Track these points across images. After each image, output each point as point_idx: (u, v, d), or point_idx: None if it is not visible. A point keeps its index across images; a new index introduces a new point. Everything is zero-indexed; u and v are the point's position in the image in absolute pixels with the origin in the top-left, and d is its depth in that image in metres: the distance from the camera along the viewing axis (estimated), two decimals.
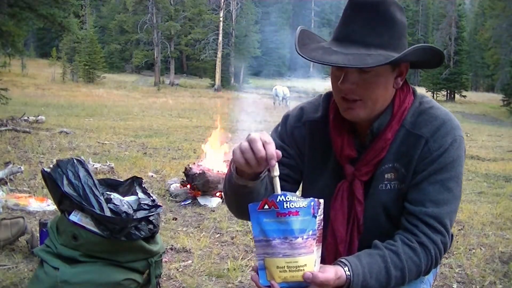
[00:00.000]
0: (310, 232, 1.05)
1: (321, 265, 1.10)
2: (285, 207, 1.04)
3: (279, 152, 1.08)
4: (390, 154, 1.27)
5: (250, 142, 1.08)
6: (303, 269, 1.05)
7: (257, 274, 1.09)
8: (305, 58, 1.18)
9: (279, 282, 1.06)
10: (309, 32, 1.29)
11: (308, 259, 1.05)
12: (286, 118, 1.43)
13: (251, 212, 1.08)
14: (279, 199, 1.05)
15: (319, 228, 1.08)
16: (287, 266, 1.05)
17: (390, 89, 1.24)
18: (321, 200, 1.09)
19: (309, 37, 1.27)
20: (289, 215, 1.04)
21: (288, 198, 1.05)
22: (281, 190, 1.08)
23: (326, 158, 1.35)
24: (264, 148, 1.07)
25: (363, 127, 1.29)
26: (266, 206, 1.06)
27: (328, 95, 1.39)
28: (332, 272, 1.08)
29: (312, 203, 1.06)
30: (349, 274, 1.11)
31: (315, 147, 1.37)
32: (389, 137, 1.26)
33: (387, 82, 1.22)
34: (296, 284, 1.06)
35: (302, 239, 1.04)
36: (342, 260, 1.14)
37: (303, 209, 1.05)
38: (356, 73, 1.18)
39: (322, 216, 1.09)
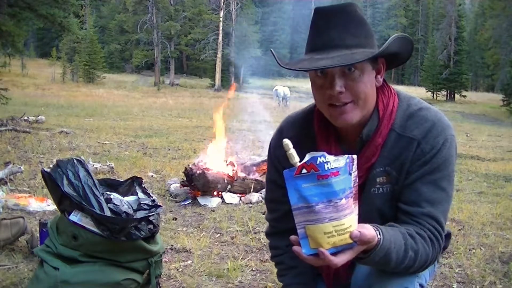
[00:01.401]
0: (349, 191, 1.03)
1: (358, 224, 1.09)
2: (326, 168, 0.99)
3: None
4: (382, 158, 1.28)
5: None
6: (349, 230, 1.02)
7: (299, 244, 1.05)
8: (292, 69, 1.21)
9: (328, 248, 1.02)
10: (279, 56, 1.31)
11: (352, 219, 1.03)
12: (269, 145, 1.48)
13: (287, 178, 1.03)
14: (320, 161, 0.99)
15: (355, 185, 1.07)
16: (335, 230, 1.01)
17: (374, 88, 1.27)
18: (354, 156, 1.07)
19: (282, 59, 1.29)
20: (331, 176, 0.99)
21: (327, 159, 1.00)
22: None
23: None
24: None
25: (350, 134, 1.31)
26: (304, 170, 1.01)
27: (309, 109, 1.42)
28: (372, 230, 1.09)
29: (347, 160, 1.03)
30: (380, 237, 1.12)
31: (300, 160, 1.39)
32: (379, 142, 1.27)
33: (371, 80, 1.24)
34: (344, 247, 1.03)
35: (346, 199, 1.01)
36: (371, 224, 1.14)
37: (342, 168, 1.01)
38: (342, 76, 1.19)
39: (356, 172, 1.08)
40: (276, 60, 1.23)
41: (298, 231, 1.04)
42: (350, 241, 1.02)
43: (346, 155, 1.04)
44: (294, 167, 1.03)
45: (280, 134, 1.44)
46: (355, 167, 1.06)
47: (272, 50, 1.28)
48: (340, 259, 1.05)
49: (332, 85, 1.19)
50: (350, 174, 1.03)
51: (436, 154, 1.24)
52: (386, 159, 1.27)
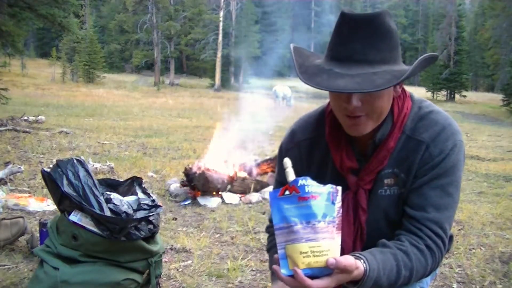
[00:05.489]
0: (331, 219, 1.04)
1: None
2: (306, 190, 1.03)
3: None
4: (390, 160, 1.27)
5: None
6: (327, 254, 1.03)
7: (278, 264, 1.06)
8: (311, 85, 1.15)
9: (302, 268, 1.03)
10: (300, 49, 1.27)
11: (331, 245, 1.04)
12: (280, 147, 1.46)
13: (272, 199, 1.06)
14: (300, 183, 1.04)
15: (338, 215, 1.07)
16: (310, 251, 1.02)
17: (391, 98, 1.25)
18: (339, 187, 1.08)
19: (301, 55, 1.25)
20: (311, 199, 1.03)
21: (309, 182, 1.04)
22: None
23: (324, 171, 1.36)
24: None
25: (363, 137, 1.29)
26: (287, 192, 1.04)
27: (321, 111, 1.41)
28: (353, 260, 1.08)
29: (331, 190, 1.05)
30: (366, 267, 1.10)
31: (312, 163, 1.38)
32: (391, 146, 1.26)
33: (389, 93, 1.22)
34: (319, 271, 1.04)
35: (325, 223, 1.03)
36: (356, 254, 1.14)
37: (323, 194, 1.04)
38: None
39: (340, 203, 1.08)
40: (296, 69, 1.18)
41: (279, 251, 1.06)
42: (326, 264, 1.03)
43: (329, 185, 1.06)
44: (278, 189, 1.07)
45: (292, 137, 1.42)
46: (339, 198, 1.08)
47: (293, 53, 1.22)
48: (316, 284, 1.04)
49: (350, 100, 1.16)
50: (333, 203, 1.05)
51: (444, 159, 1.23)
52: (395, 160, 1.27)
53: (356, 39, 1.15)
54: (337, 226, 1.06)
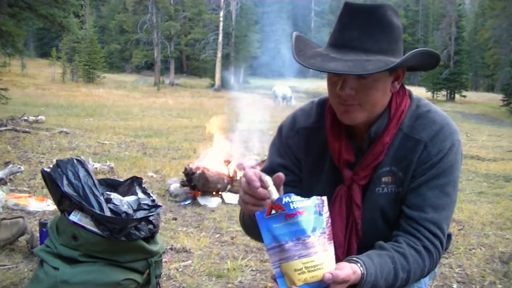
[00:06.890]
0: (321, 230, 1.04)
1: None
2: (292, 207, 1.02)
3: (281, 176, 1.08)
4: (388, 158, 1.27)
5: (244, 187, 1.09)
6: (322, 268, 1.02)
7: (276, 283, 1.06)
8: (304, 66, 1.17)
9: (300, 285, 1.03)
10: (304, 38, 1.28)
11: (325, 257, 1.04)
12: (280, 129, 1.44)
13: (259, 220, 1.05)
14: (285, 201, 1.03)
15: (328, 225, 1.07)
16: (305, 267, 1.02)
17: (388, 93, 1.25)
18: (324, 198, 1.07)
19: (305, 43, 1.26)
20: (298, 215, 1.02)
21: (293, 199, 1.03)
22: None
23: (322, 164, 1.35)
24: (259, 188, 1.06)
25: (360, 131, 1.29)
26: (273, 211, 1.03)
27: (322, 102, 1.39)
28: (349, 268, 1.07)
29: (316, 201, 1.05)
30: (363, 271, 1.10)
31: (310, 153, 1.37)
32: (387, 141, 1.26)
33: (385, 87, 1.22)
34: (317, 285, 1.04)
35: (315, 237, 1.02)
36: (353, 258, 1.13)
37: (309, 208, 1.03)
38: (355, 79, 1.17)
39: (328, 213, 1.08)
40: (292, 51, 1.20)
41: (274, 270, 1.06)
42: (322, 278, 1.03)
43: (315, 197, 1.05)
44: (264, 210, 1.05)
45: (293, 123, 1.41)
46: (326, 208, 1.07)
47: (294, 39, 1.23)
48: None
49: (343, 86, 1.18)
50: (321, 214, 1.05)
51: (442, 158, 1.22)
52: (392, 159, 1.26)
53: (354, 27, 1.17)
54: (328, 236, 1.06)
